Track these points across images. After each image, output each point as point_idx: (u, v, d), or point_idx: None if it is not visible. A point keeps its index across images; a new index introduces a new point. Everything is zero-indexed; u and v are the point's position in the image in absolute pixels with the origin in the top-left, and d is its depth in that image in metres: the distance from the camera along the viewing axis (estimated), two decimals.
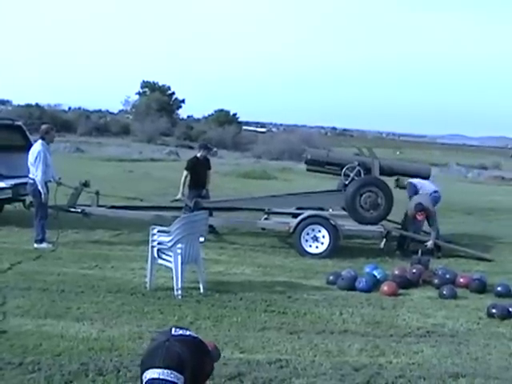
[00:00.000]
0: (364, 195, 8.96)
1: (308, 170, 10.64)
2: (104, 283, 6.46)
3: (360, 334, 5.33)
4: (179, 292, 6.11)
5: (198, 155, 9.98)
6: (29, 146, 8.81)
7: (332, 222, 8.70)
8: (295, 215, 9.25)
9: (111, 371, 4.12)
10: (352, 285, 6.90)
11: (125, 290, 6.23)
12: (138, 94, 58.25)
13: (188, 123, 58.90)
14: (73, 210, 8.99)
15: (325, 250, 8.62)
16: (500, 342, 5.36)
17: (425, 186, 9.67)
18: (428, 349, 5.03)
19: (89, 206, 9.22)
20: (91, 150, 30.25)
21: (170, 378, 1.32)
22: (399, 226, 9.61)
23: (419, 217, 8.95)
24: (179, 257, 6.17)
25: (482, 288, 7.10)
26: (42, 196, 8.04)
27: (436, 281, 7.23)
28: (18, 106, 52.61)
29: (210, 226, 8.43)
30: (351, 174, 9.29)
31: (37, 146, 8.19)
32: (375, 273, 7.38)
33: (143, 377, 1.35)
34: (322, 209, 9.67)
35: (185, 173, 9.71)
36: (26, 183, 8.37)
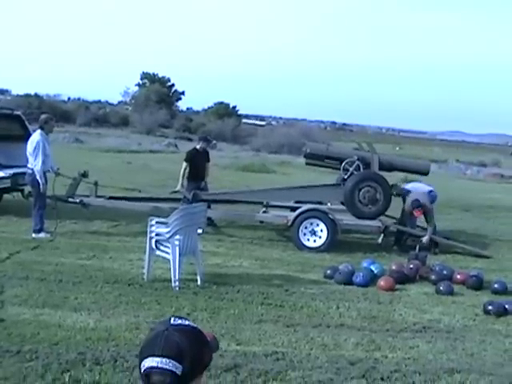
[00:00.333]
0: (363, 190, 8.97)
1: (307, 163, 10.64)
2: (102, 274, 6.46)
3: (356, 329, 5.34)
4: (177, 283, 6.12)
5: (198, 147, 9.96)
6: (28, 135, 8.80)
7: (330, 216, 8.71)
8: (293, 209, 9.26)
9: (108, 361, 4.13)
10: (349, 279, 6.91)
11: (122, 281, 6.24)
12: (138, 85, 58.17)
13: (187, 115, 58.82)
14: (71, 200, 8.98)
15: (322, 244, 8.63)
16: (495, 338, 5.38)
17: (419, 189, 9.65)
18: (424, 344, 5.04)
19: (87, 196, 9.20)
20: (90, 141, 30.23)
21: (168, 367, 1.32)
22: (397, 221, 9.62)
23: (417, 213, 8.96)
24: (177, 248, 6.18)
25: (478, 285, 7.11)
26: (41, 186, 8.03)
27: (433, 277, 7.25)
28: (17, 95, 52.58)
29: (209, 219, 8.43)
30: (350, 169, 9.30)
31: (35, 136, 8.18)
32: (372, 267, 7.40)
33: (142, 365, 1.35)
34: (320, 203, 9.67)
35: (184, 164, 9.70)
36: (24, 173, 8.35)
